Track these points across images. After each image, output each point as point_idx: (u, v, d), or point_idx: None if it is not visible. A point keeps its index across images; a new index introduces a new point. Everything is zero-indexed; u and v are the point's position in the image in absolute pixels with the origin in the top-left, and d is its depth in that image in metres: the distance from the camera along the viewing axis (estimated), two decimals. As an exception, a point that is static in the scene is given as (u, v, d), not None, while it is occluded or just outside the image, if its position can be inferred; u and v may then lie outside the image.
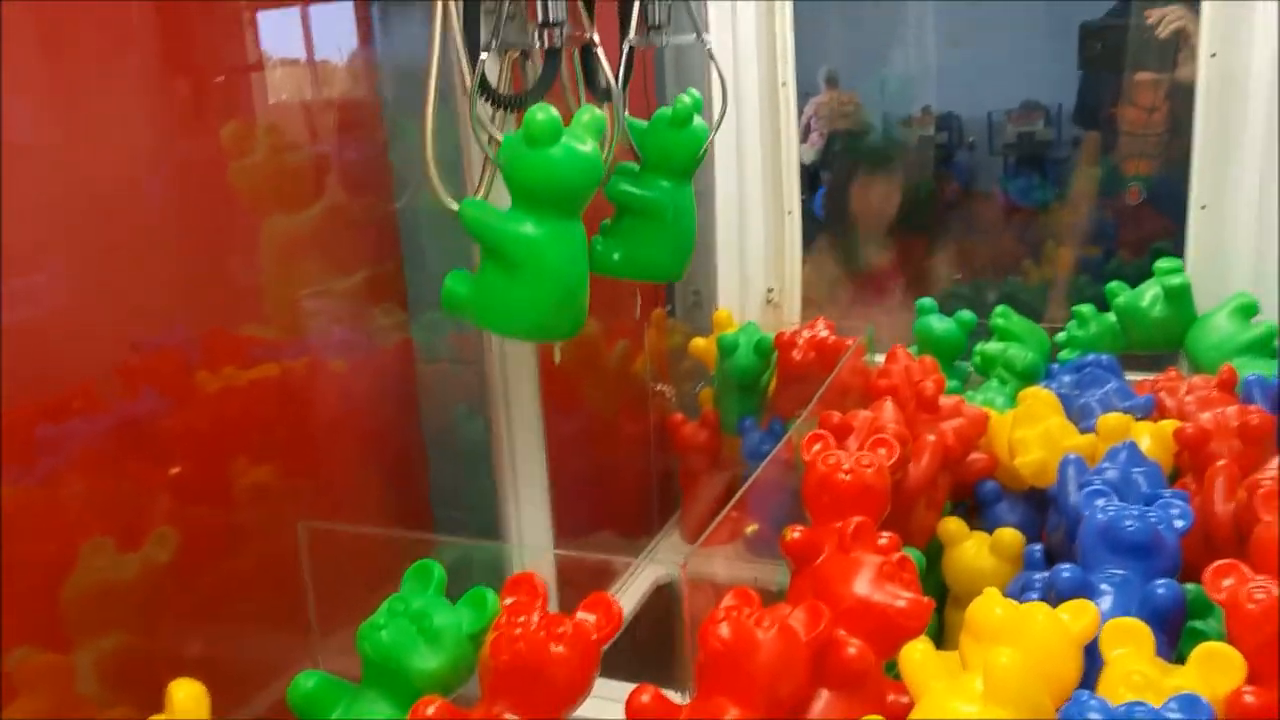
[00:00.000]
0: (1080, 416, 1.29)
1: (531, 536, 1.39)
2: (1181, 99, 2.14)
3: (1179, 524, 0.96)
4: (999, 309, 1.62)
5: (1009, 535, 1.14)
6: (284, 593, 1.11)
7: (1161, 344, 1.55)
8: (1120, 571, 0.93)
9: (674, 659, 1.20)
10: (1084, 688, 0.77)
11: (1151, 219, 2.32)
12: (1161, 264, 1.55)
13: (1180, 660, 0.82)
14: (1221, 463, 1.08)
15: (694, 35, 1.36)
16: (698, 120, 1.27)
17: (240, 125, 1.11)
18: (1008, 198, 3.33)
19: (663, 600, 1.49)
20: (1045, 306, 2.43)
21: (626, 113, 1.26)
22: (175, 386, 1.05)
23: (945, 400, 1.27)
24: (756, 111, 1.76)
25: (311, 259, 1.23)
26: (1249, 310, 1.47)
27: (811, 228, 2.06)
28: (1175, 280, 1.52)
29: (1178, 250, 1.60)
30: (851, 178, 2.71)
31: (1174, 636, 0.91)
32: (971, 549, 1.16)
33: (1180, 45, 2.05)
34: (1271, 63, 1.47)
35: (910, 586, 0.88)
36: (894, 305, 2.43)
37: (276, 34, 1.17)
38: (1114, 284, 1.59)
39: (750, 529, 1.14)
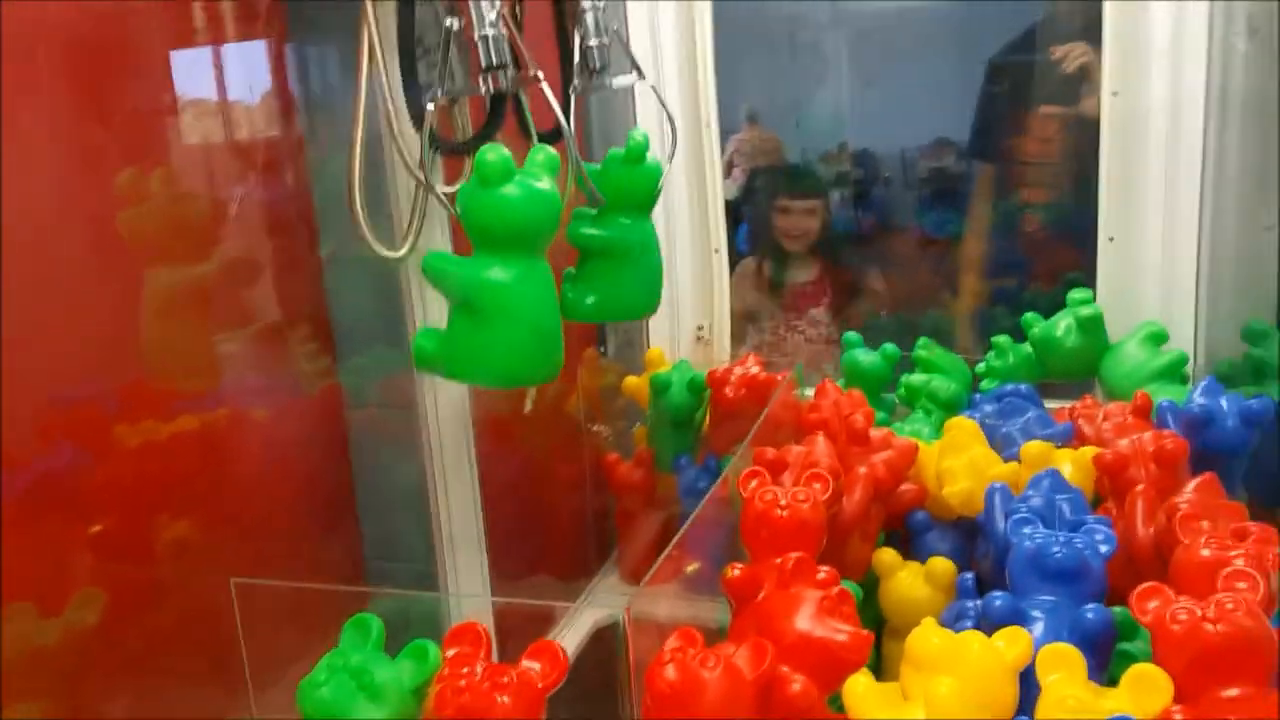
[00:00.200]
0: (1003, 445, 1.33)
1: (468, 584, 1.37)
2: (1076, 131, 2.25)
3: (1104, 549, 1.00)
4: (921, 341, 1.67)
5: (941, 565, 1.16)
6: (216, 651, 1.08)
7: (1076, 372, 1.60)
8: (1050, 598, 0.96)
9: (616, 703, 1.20)
10: (1021, 713, 0.79)
11: (1063, 251, 2.40)
12: (1074, 295, 1.61)
13: (1111, 682, 0.85)
14: (1140, 488, 1.12)
15: (632, 77, 1.38)
16: (650, 156, 1.29)
17: (156, 171, 1.09)
18: (924, 231, 3.42)
19: (603, 643, 1.48)
20: (963, 338, 2.50)
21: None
22: (94, 441, 1.02)
23: (875, 433, 1.30)
24: (682, 152, 1.78)
25: (233, 306, 1.20)
26: (1159, 338, 1.53)
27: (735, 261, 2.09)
28: (1087, 311, 1.57)
29: (1089, 281, 1.66)
30: (773, 212, 2.76)
31: (1104, 659, 0.93)
32: (906, 579, 1.19)
33: (1084, 80, 2.13)
34: (1168, 100, 1.54)
35: (850, 620, 0.90)
36: (818, 337, 2.49)
37: (194, 78, 1.15)
38: (1029, 315, 1.65)
39: (691, 567, 1.14)
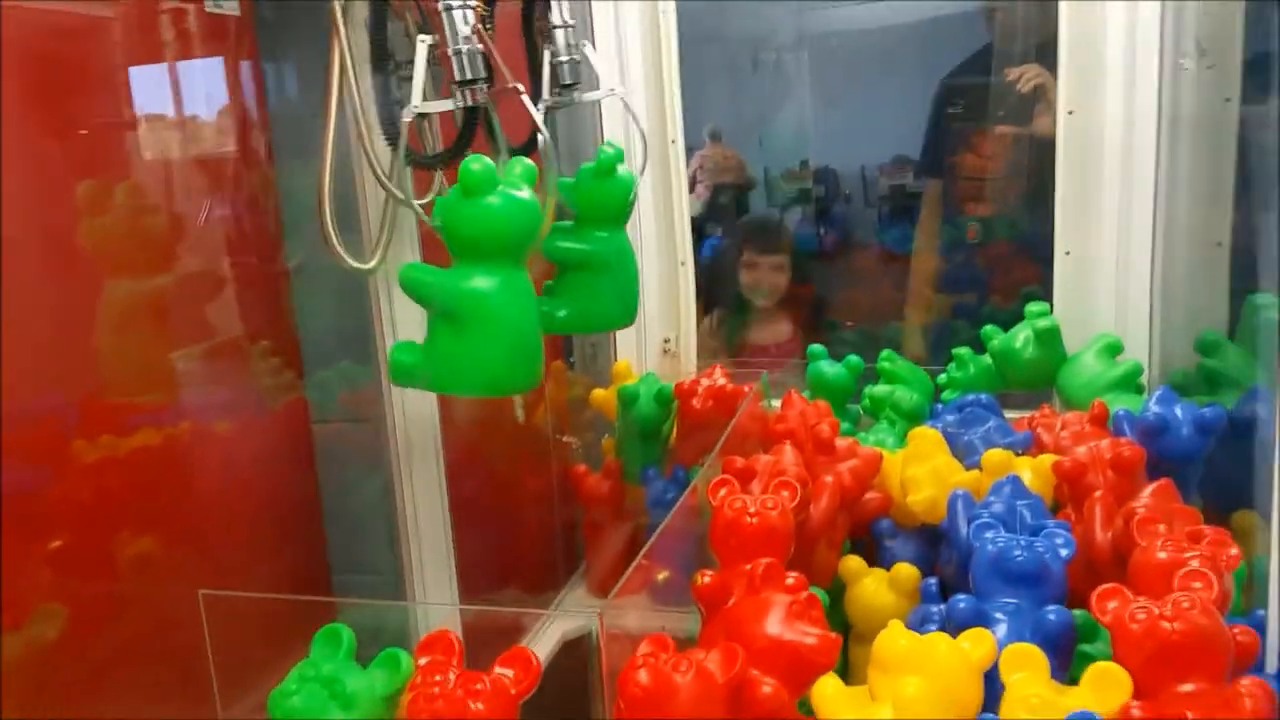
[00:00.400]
0: (965, 453, 1.35)
1: (436, 598, 1.37)
2: (1030, 149, 2.30)
3: (1064, 553, 1.02)
4: (884, 353, 1.69)
5: (906, 571, 1.18)
6: (181, 666, 1.07)
7: (1035, 383, 1.63)
8: (1012, 600, 0.98)
9: (585, 713, 1.20)
10: (986, 711, 0.81)
11: (1020, 266, 2.45)
12: (1031, 308, 1.64)
13: (1073, 682, 0.87)
14: (1098, 494, 1.15)
15: (604, 91, 1.39)
16: (621, 169, 1.30)
17: (118, 185, 1.08)
18: (884, 247, 3.48)
19: (571, 655, 1.48)
20: (924, 350, 2.54)
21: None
22: (52, 456, 1.01)
23: (840, 442, 1.32)
24: (648, 167, 1.80)
25: (197, 320, 1.20)
26: (1114, 349, 1.56)
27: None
28: (1045, 323, 1.61)
29: (1046, 295, 1.69)
30: (738, 268, 2.65)
31: (1066, 659, 0.96)
32: (871, 586, 1.20)
33: (1038, 100, 2.18)
34: (1122, 119, 1.58)
35: (818, 624, 0.91)
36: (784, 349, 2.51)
37: (160, 93, 1.15)
38: (989, 328, 1.68)
39: (662, 576, 1.15)
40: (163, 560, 1.12)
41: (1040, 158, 2.12)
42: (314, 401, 1.37)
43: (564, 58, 1.32)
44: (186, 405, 1.17)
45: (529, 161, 1.10)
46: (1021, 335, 1.63)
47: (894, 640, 0.84)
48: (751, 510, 1.06)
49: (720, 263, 2.95)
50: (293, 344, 1.34)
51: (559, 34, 1.31)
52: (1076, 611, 0.99)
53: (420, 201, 1.19)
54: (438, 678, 0.81)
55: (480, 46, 1.12)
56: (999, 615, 0.96)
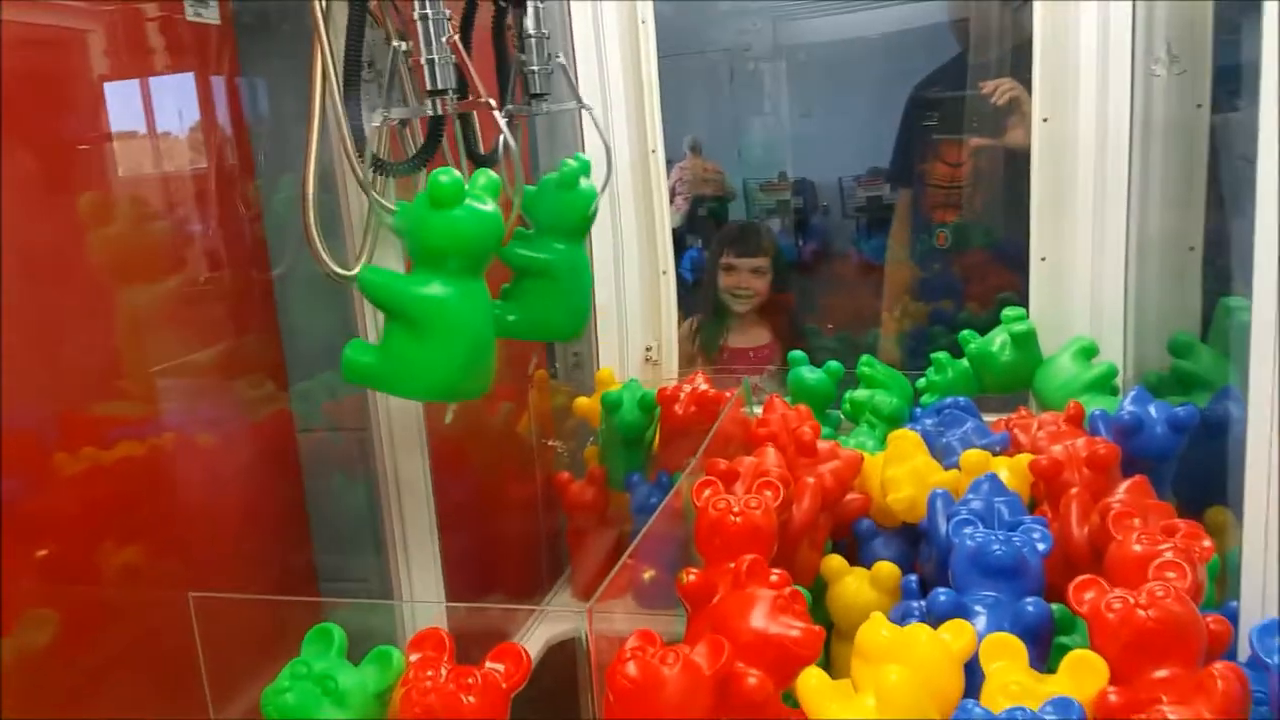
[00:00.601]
0: (944, 454, 1.37)
1: (423, 606, 1.37)
2: (1004, 159, 2.35)
3: (1041, 547, 1.04)
4: (864, 358, 1.71)
5: (887, 568, 1.20)
6: (171, 673, 1.08)
7: (1012, 386, 1.66)
8: (991, 594, 1.00)
9: (572, 712, 1.21)
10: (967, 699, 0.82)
11: (996, 273, 2.49)
12: (1008, 312, 1.67)
13: (1050, 673, 0.89)
14: (1075, 490, 1.17)
15: (573, 103, 1.41)
16: (585, 182, 1.32)
17: (98, 197, 1.09)
18: (862, 256, 3.52)
19: (556, 659, 1.49)
20: (903, 355, 2.57)
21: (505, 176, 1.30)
22: (36, 466, 1.01)
23: (821, 445, 1.34)
24: (629, 177, 1.82)
25: (180, 331, 1.20)
26: (1089, 352, 1.59)
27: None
28: (1021, 327, 1.64)
29: (1022, 300, 1.72)
30: (717, 270, 2.64)
31: (1044, 650, 0.97)
32: (853, 584, 1.22)
33: (1011, 111, 2.22)
34: (1095, 125, 1.61)
35: (802, 618, 0.92)
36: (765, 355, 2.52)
37: (135, 101, 1.16)
38: (966, 332, 1.71)
39: (648, 574, 1.16)
40: (150, 570, 1.12)
41: (1013, 168, 2.16)
42: (299, 411, 1.38)
43: (534, 67, 1.34)
44: (172, 416, 1.18)
45: (493, 174, 1.12)
46: (998, 339, 1.66)
47: (876, 631, 0.86)
48: (736, 510, 1.08)
49: (701, 268, 2.95)
50: (277, 353, 1.35)
51: (532, 42, 1.32)
52: (1054, 605, 1.01)
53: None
54: (429, 673, 0.82)
55: (454, 58, 1.14)
56: (978, 608, 0.98)
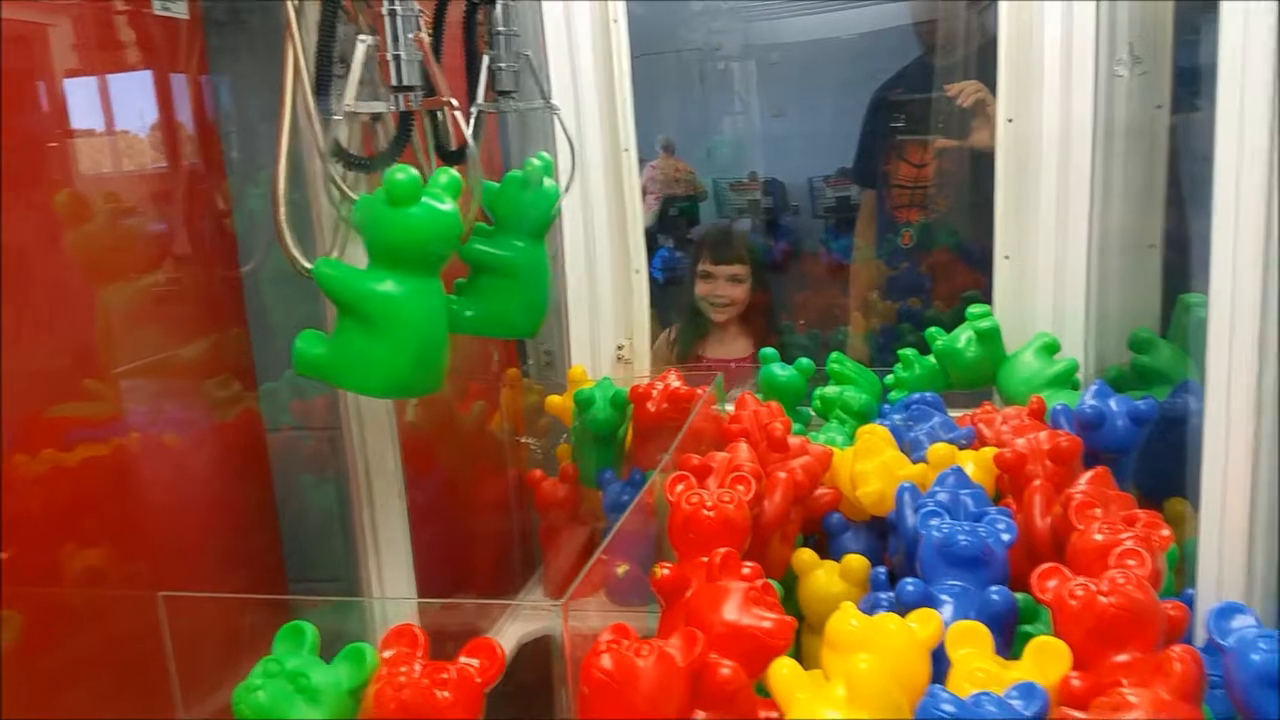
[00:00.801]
0: (911, 448, 1.39)
1: (394, 605, 1.37)
2: (968, 161, 2.38)
3: (1005, 537, 1.06)
4: (834, 355, 1.73)
5: (856, 561, 1.21)
6: (138, 674, 1.07)
7: (977, 381, 1.68)
8: (957, 583, 1.02)
9: (545, 709, 1.21)
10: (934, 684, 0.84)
11: (962, 272, 2.53)
12: (972, 310, 1.70)
13: (1015, 659, 0.91)
14: (1038, 482, 1.19)
15: (541, 101, 1.41)
16: (548, 182, 1.32)
17: (62, 193, 1.07)
18: (831, 255, 3.55)
19: (529, 657, 1.50)
20: (872, 352, 2.60)
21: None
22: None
23: (792, 440, 1.35)
24: (601, 175, 1.83)
25: (147, 330, 1.19)
26: (1052, 348, 1.62)
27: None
28: (985, 324, 1.66)
29: (986, 298, 1.75)
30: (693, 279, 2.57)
31: (1009, 637, 1.00)
32: (823, 577, 1.23)
33: (976, 113, 2.25)
34: (1058, 125, 1.64)
35: (774, 609, 0.94)
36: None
37: (101, 96, 1.15)
38: (932, 330, 1.73)
39: (622, 569, 1.17)
40: (118, 571, 1.11)
41: (978, 168, 2.19)
42: (268, 410, 1.37)
43: (503, 64, 1.34)
44: (138, 416, 1.17)
45: (455, 173, 1.12)
46: (964, 336, 1.68)
47: (845, 621, 0.88)
48: (709, 504, 1.09)
49: (672, 267, 2.93)
50: (246, 353, 1.35)
51: (500, 40, 1.33)
52: (1018, 594, 1.04)
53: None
54: (404, 669, 0.82)
55: (420, 55, 1.14)
56: (945, 597, 1.00)
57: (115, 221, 1.15)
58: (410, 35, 1.13)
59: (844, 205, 3.58)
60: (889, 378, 1.75)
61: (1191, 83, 1.56)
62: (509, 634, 1.51)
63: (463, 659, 0.86)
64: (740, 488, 1.13)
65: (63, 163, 1.09)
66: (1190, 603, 0.99)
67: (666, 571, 1.02)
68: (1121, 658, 0.85)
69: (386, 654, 0.88)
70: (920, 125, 2.52)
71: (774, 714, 0.87)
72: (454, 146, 1.31)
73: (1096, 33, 1.59)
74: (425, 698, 0.81)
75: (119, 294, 1.15)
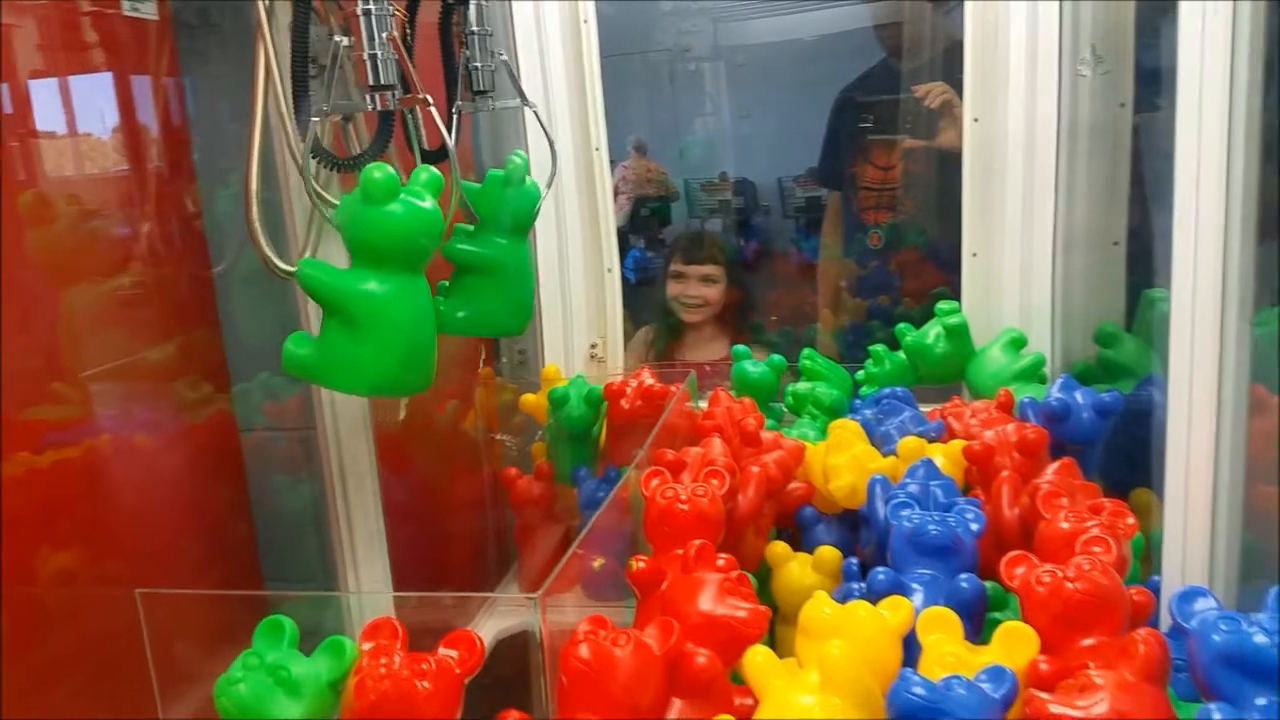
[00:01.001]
0: (882, 442, 1.41)
1: (370, 604, 1.37)
2: (936, 160, 2.41)
3: (974, 527, 1.08)
4: (805, 352, 1.75)
5: (829, 553, 1.23)
6: (117, 675, 1.07)
7: (946, 376, 1.71)
8: (928, 572, 1.04)
9: (522, 705, 1.22)
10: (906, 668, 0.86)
11: (930, 271, 2.56)
12: (942, 306, 1.72)
13: (985, 646, 0.92)
14: (1006, 474, 1.22)
15: (517, 100, 1.42)
16: (529, 179, 1.33)
17: (28, 195, 1.06)
18: (801, 255, 3.57)
19: (506, 654, 1.50)
20: (842, 348, 2.62)
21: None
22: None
23: (765, 435, 1.37)
24: (573, 175, 1.84)
25: (118, 332, 1.19)
26: (1019, 343, 1.64)
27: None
28: (954, 320, 1.68)
29: (955, 294, 1.77)
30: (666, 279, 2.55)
31: (978, 624, 1.01)
32: (796, 569, 1.25)
33: (943, 114, 2.28)
34: (1023, 125, 1.66)
35: (748, 599, 0.95)
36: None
37: (67, 100, 1.14)
38: (902, 325, 1.75)
39: (598, 563, 1.18)
40: (93, 573, 1.11)
41: (945, 169, 2.22)
42: (241, 411, 1.37)
43: (479, 63, 1.35)
44: (110, 418, 1.16)
45: (435, 171, 1.12)
46: (933, 332, 1.71)
47: (819, 609, 0.89)
48: (683, 498, 1.10)
49: (644, 267, 2.93)
50: (219, 354, 1.34)
51: (475, 39, 1.33)
52: (987, 583, 1.05)
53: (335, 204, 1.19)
54: (383, 660, 0.83)
55: (395, 54, 1.14)
56: (915, 585, 1.02)
57: (84, 223, 1.14)
58: (384, 34, 1.13)
59: (814, 205, 3.60)
60: (860, 373, 1.77)
61: (1153, 82, 1.58)
62: (486, 630, 1.51)
63: (442, 650, 0.86)
64: (714, 482, 1.14)
65: (28, 164, 1.08)
66: (1156, 589, 1.01)
67: (642, 564, 1.03)
68: (1088, 642, 0.87)
69: (366, 646, 0.89)
70: (887, 127, 2.55)
71: (748, 700, 0.89)
72: (427, 146, 1.32)
73: (1060, 33, 1.61)
74: (405, 688, 0.82)
75: (89, 296, 1.14)
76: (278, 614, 0.93)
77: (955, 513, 1.09)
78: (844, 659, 0.81)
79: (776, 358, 1.73)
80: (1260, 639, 0.77)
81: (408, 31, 1.29)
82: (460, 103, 1.32)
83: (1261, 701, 0.77)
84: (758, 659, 0.87)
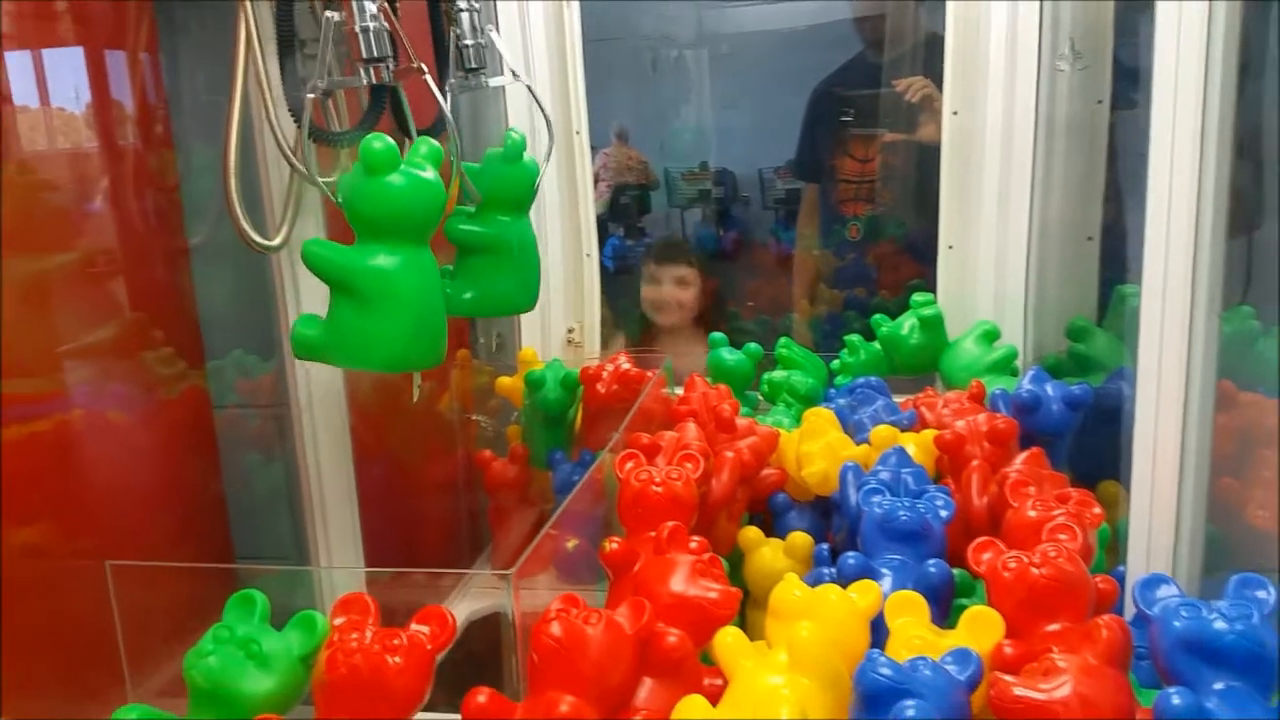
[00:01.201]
0: (855, 431, 1.43)
1: (342, 583, 1.37)
2: (915, 154, 2.43)
3: (943, 514, 1.10)
4: (781, 341, 1.76)
5: (800, 538, 1.24)
6: (85, 651, 1.06)
7: (920, 367, 1.72)
8: (897, 557, 1.05)
9: (493, 682, 1.22)
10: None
11: (907, 264, 2.58)
12: (917, 298, 1.74)
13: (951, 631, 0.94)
14: (976, 463, 1.23)
15: (511, 76, 1.42)
16: (527, 155, 1.33)
17: (3, 164, 1.04)
18: (780, 245, 3.59)
19: (478, 634, 1.51)
20: (818, 338, 2.64)
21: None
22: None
23: (740, 422, 1.38)
24: (554, 159, 1.83)
25: (92, 307, 1.17)
26: (992, 335, 1.66)
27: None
28: (929, 311, 1.70)
29: (930, 286, 1.78)
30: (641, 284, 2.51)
31: (945, 609, 1.03)
32: (768, 554, 1.26)
33: (923, 109, 2.30)
34: (1001, 119, 1.68)
35: (720, 580, 0.96)
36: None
37: (41, 72, 1.12)
38: (878, 316, 1.77)
39: (571, 543, 1.19)
40: (63, 548, 1.10)
41: (924, 162, 2.23)
42: (215, 388, 1.36)
43: (469, 41, 1.34)
44: (82, 393, 1.15)
45: (435, 142, 1.11)
46: (908, 323, 1.72)
47: (789, 591, 0.90)
48: (657, 480, 1.11)
49: (623, 255, 2.89)
50: (194, 331, 1.33)
51: (464, 16, 1.33)
52: (955, 570, 1.07)
53: (327, 180, 1.19)
54: (355, 635, 0.83)
55: (386, 25, 1.14)
56: (884, 570, 1.03)
57: (58, 197, 1.13)
58: (375, 6, 1.13)
59: (793, 197, 3.60)
60: (835, 363, 1.78)
61: (1130, 80, 1.60)
62: (458, 611, 1.51)
63: (414, 626, 0.87)
64: (688, 465, 1.15)
65: (1, 137, 1.07)
66: (1121, 579, 1.03)
67: (615, 546, 1.04)
68: (1053, 627, 0.89)
69: (338, 621, 0.89)
70: (866, 120, 2.56)
71: (718, 681, 0.90)
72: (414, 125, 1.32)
73: (1040, 29, 1.62)
74: (376, 663, 0.82)
75: (62, 269, 1.13)
76: (249, 588, 0.93)
77: (925, 500, 1.10)
78: (813, 640, 0.82)
79: (753, 346, 1.74)
80: (1220, 625, 0.79)
81: (394, 6, 1.28)
82: (453, 80, 1.31)
83: (1219, 686, 0.78)
84: (728, 640, 0.88)
